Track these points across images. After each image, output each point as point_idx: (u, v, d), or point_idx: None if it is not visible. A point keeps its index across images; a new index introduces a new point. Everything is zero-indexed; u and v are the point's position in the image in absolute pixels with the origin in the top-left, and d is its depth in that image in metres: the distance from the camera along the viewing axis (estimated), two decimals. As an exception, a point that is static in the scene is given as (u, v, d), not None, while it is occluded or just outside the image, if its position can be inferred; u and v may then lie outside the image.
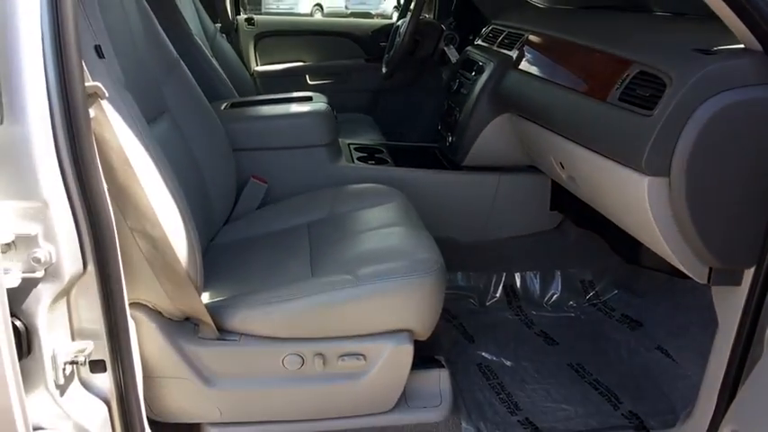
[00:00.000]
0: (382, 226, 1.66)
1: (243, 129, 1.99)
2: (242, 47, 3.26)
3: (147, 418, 1.38)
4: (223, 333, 1.37)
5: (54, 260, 0.95)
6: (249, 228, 1.82)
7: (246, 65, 3.23)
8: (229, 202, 1.89)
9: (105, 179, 1.06)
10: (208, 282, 1.48)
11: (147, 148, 1.24)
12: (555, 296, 2.08)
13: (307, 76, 3.25)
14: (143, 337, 1.29)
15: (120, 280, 1.09)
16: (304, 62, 3.34)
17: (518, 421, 1.55)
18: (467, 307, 2.04)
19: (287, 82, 3.15)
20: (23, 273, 0.92)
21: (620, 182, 1.32)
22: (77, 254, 1.01)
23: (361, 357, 1.38)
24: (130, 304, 1.28)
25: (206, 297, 1.43)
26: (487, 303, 2.07)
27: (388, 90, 3.22)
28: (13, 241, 0.91)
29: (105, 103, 1.09)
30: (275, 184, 1.97)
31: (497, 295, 2.08)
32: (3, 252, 0.90)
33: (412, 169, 2.09)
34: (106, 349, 1.11)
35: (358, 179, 2.00)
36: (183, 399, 1.38)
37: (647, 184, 1.22)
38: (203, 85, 1.87)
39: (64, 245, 0.95)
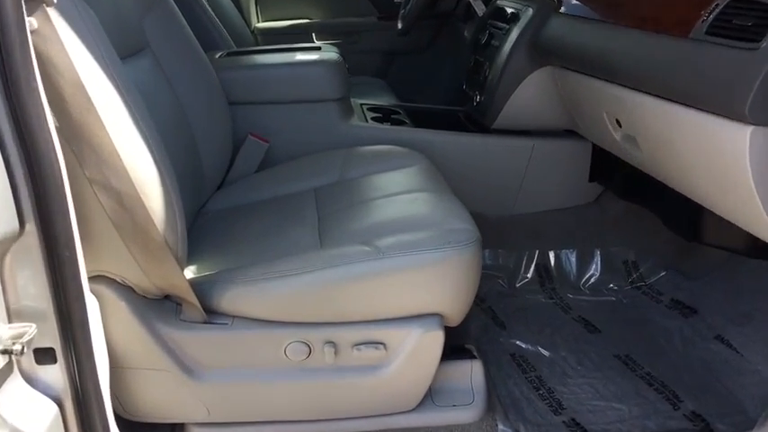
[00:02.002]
0: (404, 191, 1.40)
1: (241, 79, 1.72)
2: (242, 1, 2.97)
3: (119, 417, 1.14)
4: (211, 315, 1.12)
5: (-27, 214, 0.69)
6: (246, 193, 1.56)
7: (247, 21, 2.94)
8: (224, 162, 1.63)
9: (53, 113, 0.81)
10: (194, 253, 1.23)
11: (114, 80, 0.97)
12: (594, 278, 1.83)
13: (313, 35, 2.96)
14: (109, 318, 1.04)
15: (74, 244, 0.83)
16: (310, 19, 3.05)
17: (563, 422, 1.30)
18: (495, 288, 1.79)
19: (290, 41, 2.86)
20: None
21: (707, 135, 1.06)
22: (10, 208, 0.75)
23: (380, 346, 1.14)
24: (92, 277, 1.03)
25: (191, 271, 1.18)
26: (518, 285, 1.82)
27: (403, 52, 2.94)
28: None
29: (53, 13, 0.83)
30: (277, 143, 1.71)
31: (529, 276, 1.83)
32: None
33: (434, 131, 1.83)
34: (56, 334, 0.85)
35: (373, 141, 1.74)
36: (163, 394, 1.14)
37: (750, 135, 0.96)
38: (197, 33, 1.60)
39: (-13, 194, 0.69)
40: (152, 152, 1.01)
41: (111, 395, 1.11)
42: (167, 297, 1.13)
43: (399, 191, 1.41)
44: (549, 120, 1.79)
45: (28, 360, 0.87)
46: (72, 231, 0.83)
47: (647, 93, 1.21)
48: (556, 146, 1.84)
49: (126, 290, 1.06)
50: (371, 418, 1.23)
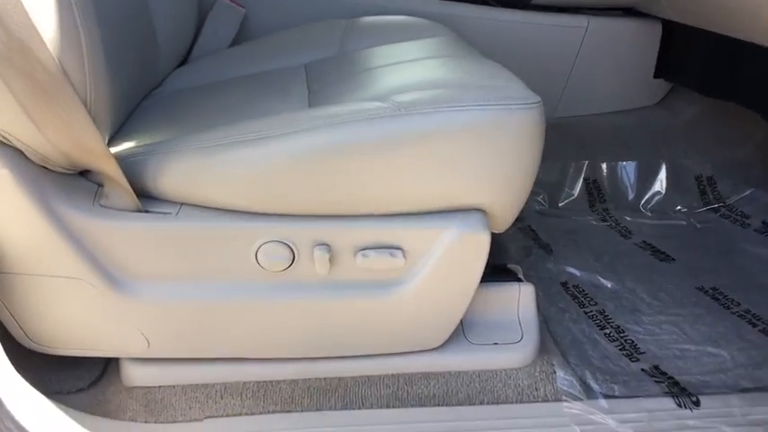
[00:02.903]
0: (428, 57, 1.02)
1: None
2: None
3: (21, 349, 0.80)
4: (148, 202, 0.75)
5: None
6: (215, 70, 1.18)
7: None
8: (186, 32, 1.24)
9: None
10: (129, 128, 0.86)
11: None
12: (657, 197, 1.46)
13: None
14: (-19, 192, 0.68)
15: None
16: None
17: (643, 370, 0.95)
18: (532, 207, 1.43)
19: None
20: None
21: None
22: None
23: (396, 253, 0.77)
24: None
25: (123, 144, 0.81)
26: (561, 204, 1.45)
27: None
28: None
29: None
30: (256, 10, 1.32)
31: (575, 193, 1.46)
32: None
33: (459, 3, 1.43)
34: None
35: (382, 14, 1.35)
36: (80, 316, 0.78)
37: None
38: None
39: None
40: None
41: (5, 314, 0.76)
42: (83, 175, 0.76)
43: (421, 56, 1.03)
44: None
45: None
46: None
47: None
48: (616, 27, 1.45)
49: (11, 152, 0.69)
50: (381, 357, 0.87)
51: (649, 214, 1.43)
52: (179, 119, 0.91)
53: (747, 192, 1.42)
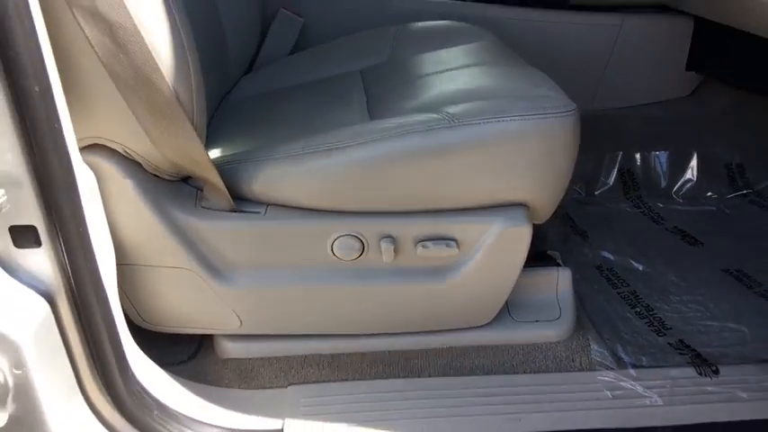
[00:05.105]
0: (474, 64, 1.13)
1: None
2: None
3: (135, 327, 0.95)
4: (240, 203, 0.90)
5: None
6: (279, 77, 1.31)
7: None
8: (252, 41, 1.38)
9: None
10: (217, 138, 1.00)
11: None
12: (688, 185, 1.54)
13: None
14: (112, 199, 0.83)
15: (46, 77, 0.60)
16: None
17: (669, 344, 1.06)
18: (569, 196, 1.53)
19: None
20: None
21: None
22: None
23: (452, 243, 0.90)
24: (86, 147, 0.81)
25: (213, 154, 0.95)
26: (597, 192, 1.55)
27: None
28: None
29: None
30: (314, 19, 1.44)
31: (610, 182, 1.56)
32: None
33: (499, 6, 1.52)
34: (36, 205, 0.64)
35: (426, 17, 1.45)
36: (185, 299, 0.93)
37: None
38: None
39: None
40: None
41: (123, 298, 0.91)
42: (185, 181, 0.91)
43: (468, 63, 1.14)
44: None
45: (3, 242, 0.67)
46: (41, 57, 0.59)
47: None
48: (649, 23, 1.53)
49: (131, 164, 0.84)
50: (437, 333, 1.01)
51: (681, 201, 1.52)
52: (257, 128, 1.04)
53: (776, 178, 1.50)
